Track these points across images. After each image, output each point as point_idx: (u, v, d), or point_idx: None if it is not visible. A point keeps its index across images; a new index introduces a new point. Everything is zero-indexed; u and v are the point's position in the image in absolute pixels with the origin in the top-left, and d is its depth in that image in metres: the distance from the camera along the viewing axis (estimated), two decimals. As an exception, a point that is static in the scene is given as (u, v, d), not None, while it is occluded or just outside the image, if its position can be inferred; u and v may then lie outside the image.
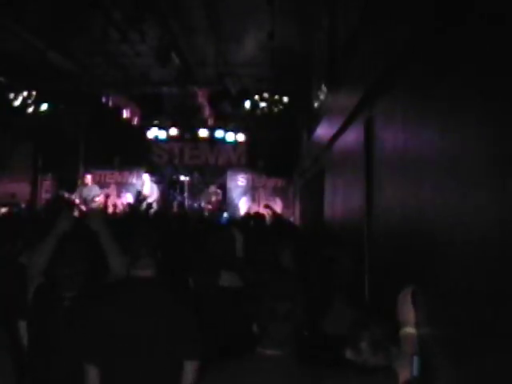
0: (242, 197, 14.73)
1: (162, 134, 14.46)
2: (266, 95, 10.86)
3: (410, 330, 2.31)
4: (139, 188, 13.93)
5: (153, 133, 14.46)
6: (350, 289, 3.45)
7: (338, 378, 2.00)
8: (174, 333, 2.75)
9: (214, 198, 13.83)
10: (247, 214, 11.72)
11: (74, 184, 13.68)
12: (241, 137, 14.24)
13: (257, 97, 10.86)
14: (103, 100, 11.41)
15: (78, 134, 14.69)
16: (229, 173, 14.99)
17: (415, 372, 2.11)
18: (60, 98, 11.08)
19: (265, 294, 2.00)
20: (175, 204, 13.97)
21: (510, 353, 1.60)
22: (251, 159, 14.94)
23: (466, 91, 2.03)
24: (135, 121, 13.33)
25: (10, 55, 9.12)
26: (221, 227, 7.05)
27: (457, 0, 2.12)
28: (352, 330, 2.32)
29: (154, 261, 2.87)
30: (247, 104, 10.95)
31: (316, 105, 8.82)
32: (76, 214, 11.69)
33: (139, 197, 13.56)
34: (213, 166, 15.19)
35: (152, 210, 11.96)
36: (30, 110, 10.78)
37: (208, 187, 14.23)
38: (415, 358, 2.11)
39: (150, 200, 12.98)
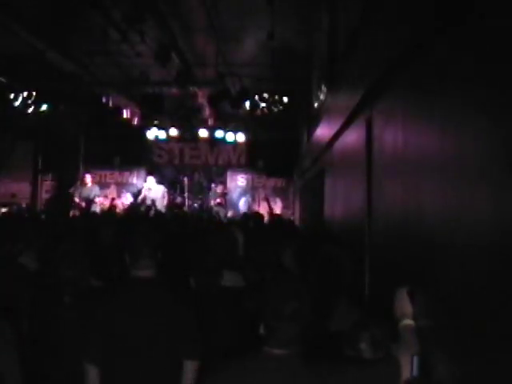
0: (242, 197, 14.73)
1: (162, 134, 14.46)
2: (265, 95, 10.86)
3: (408, 321, 2.32)
4: (141, 189, 13.90)
5: (153, 133, 14.46)
6: (350, 289, 3.45)
7: (341, 375, 2.00)
8: (174, 333, 2.75)
9: (219, 199, 13.78)
10: (247, 214, 11.73)
11: (73, 184, 13.68)
12: (241, 137, 14.25)
13: (257, 97, 10.86)
14: (103, 100, 11.40)
15: (78, 134, 14.70)
16: (229, 173, 15.00)
17: (415, 372, 2.11)
18: (60, 98, 11.08)
19: (271, 294, 2.00)
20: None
21: (509, 352, 1.60)
22: (251, 159, 14.94)
23: (466, 91, 2.03)
24: (135, 121, 13.33)
25: (10, 55, 9.12)
26: (221, 227, 7.05)
27: (457, 0, 2.12)
28: (351, 330, 2.32)
29: (155, 261, 2.87)
30: (247, 104, 10.95)
31: (316, 105, 8.82)
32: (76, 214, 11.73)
33: (137, 198, 13.55)
34: (213, 166, 15.20)
35: (152, 212, 11.96)
36: (30, 110, 10.77)
37: (216, 186, 14.18)
38: (415, 358, 2.11)
39: (149, 201, 12.96)
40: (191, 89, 11.41)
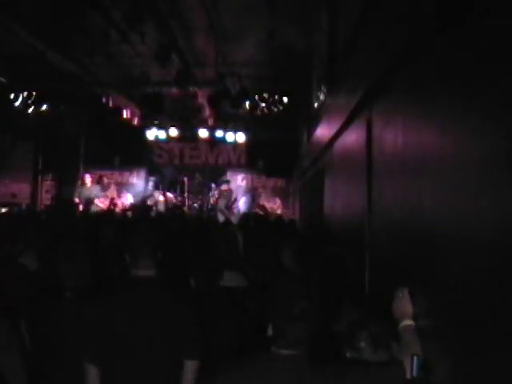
0: (241, 197, 14.73)
1: (162, 134, 14.47)
2: (265, 95, 10.86)
3: (408, 322, 2.32)
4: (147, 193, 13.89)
5: (153, 133, 14.47)
6: (350, 288, 3.45)
7: (347, 377, 2.00)
8: (174, 332, 2.75)
9: (226, 198, 13.72)
10: (247, 214, 11.73)
11: (74, 184, 13.70)
12: (241, 137, 14.25)
13: (257, 97, 10.85)
14: (103, 100, 11.40)
15: (78, 134, 14.71)
16: (229, 173, 15.00)
17: (415, 372, 2.11)
18: (60, 98, 11.08)
19: (279, 294, 2.00)
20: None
21: (509, 352, 1.60)
22: (251, 159, 14.95)
23: (466, 91, 2.03)
24: (135, 121, 13.33)
25: (10, 55, 9.12)
26: (222, 226, 7.05)
27: (457, 0, 2.12)
28: (349, 330, 2.32)
29: (155, 261, 2.87)
30: (247, 104, 10.95)
31: (316, 105, 8.82)
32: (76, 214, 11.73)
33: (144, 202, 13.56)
34: (213, 166, 15.21)
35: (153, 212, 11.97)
36: (30, 110, 10.77)
37: (220, 185, 14.14)
38: (415, 358, 2.11)
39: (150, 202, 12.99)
40: (191, 89, 11.41)
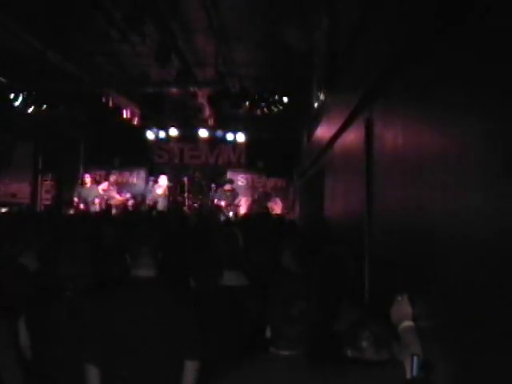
0: (242, 197, 14.73)
1: (162, 134, 14.46)
2: (266, 95, 10.85)
3: (408, 323, 2.32)
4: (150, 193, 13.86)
5: (153, 133, 14.46)
6: (350, 288, 3.45)
7: (347, 376, 1.99)
8: (175, 333, 2.75)
9: (230, 198, 13.67)
10: (246, 214, 11.73)
11: (73, 184, 13.70)
12: (241, 137, 14.24)
13: (257, 97, 10.85)
14: (103, 100, 11.39)
15: (78, 134, 14.70)
16: (229, 173, 14.99)
17: (415, 372, 2.11)
18: (60, 98, 11.08)
19: (277, 296, 1.99)
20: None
21: (509, 352, 1.60)
22: (251, 159, 14.94)
23: (466, 91, 2.03)
24: (135, 121, 13.32)
25: (10, 55, 9.12)
26: (222, 226, 7.05)
27: (457, 0, 2.12)
28: (350, 329, 2.32)
29: (155, 261, 2.87)
30: (247, 104, 10.95)
31: (316, 105, 8.81)
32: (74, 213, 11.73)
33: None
34: (213, 166, 15.21)
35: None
36: (30, 110, 10.77)
37: (223, 185, 14.10)
38: (415, 358, 2.11)
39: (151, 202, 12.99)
40: (191, 89, 11.40)
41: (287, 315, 1.92)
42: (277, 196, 14.71)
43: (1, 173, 12.84)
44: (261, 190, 14.81)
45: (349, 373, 2.02)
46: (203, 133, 14.14)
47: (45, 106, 10.90)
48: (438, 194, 2.32)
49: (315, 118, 8.62)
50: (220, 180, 14.73)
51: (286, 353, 1.95)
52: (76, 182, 14.03)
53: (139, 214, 10.24)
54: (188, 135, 14.49)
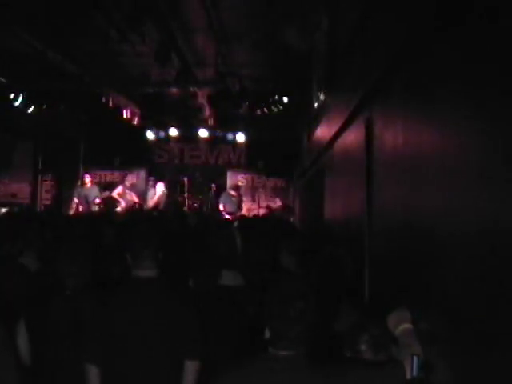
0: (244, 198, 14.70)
1: (162, 134, 14.46)
2: (266, 95, 10.85)
3: (406, 325, 2.32)
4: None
5: (153, 133, 14.46)
6: (350, 289, 3.45)
7: (347, 376, 1.99)
8: (175, 333, 2.75)
9: (235, 205, 13.62)
10: (244, 216, 11.72)
11: (73, 184, 13.69)
12: (241, 137, 14.23)
13: (257, 97, 10.85)
14: (103, 100, 11.39)
15: (78, 134, 14.70)
16: (229, 173, 14.99)
17: (415, 372, 2.11)
18: (60, 98, 11.07)
19: (275, 296, 1.99)
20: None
21: (509, 352, 1.60)
22: (251, 159, 14.93)
23: (466, 91, 2.03)
24: (135, 121, 13.31)
25: (10, 55, 9.12)
26: (220, 226, 7.04)
27: (457, 0, 2.12)
28: (350, 332, 2.31)
29: (156, 261, 2.87)
30: (247, 104, 10.94)
31: (316, 105, 8.81)
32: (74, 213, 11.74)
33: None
34: (213, 166, 15.20)
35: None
36: (30, 110, 10.76)
37: (226, 189, 14.07)
38: (415, 358, 2.11)
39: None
40: (191, 89, 11.40)
41: (286, 315, 1.92)
42: (277, 196, 14.71)
43: (1, 173, 12.83)
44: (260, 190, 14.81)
45: (349, 373, 2.02)
46: (203, 133, 14.14)
47: (45, 105, 10.89)
48: (437, 194, 2.32)
49: (315, 118, 8.62)
50: (220, 180, 14.74)
51: (285, 353, 1.95)
52: (76, 182, 14.03)
53: (140, 215, 10.24)
54: (188, 135, 14.48)
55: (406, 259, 2.85)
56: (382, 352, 2.24)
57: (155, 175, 14.47)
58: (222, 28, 8.26)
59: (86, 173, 13.72)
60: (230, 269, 3.57)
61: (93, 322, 2.79)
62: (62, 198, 14.35)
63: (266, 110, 10.86)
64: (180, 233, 6.20)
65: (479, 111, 1.89)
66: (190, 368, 2.76)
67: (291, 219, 11.85)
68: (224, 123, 13.92)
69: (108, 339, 2.72)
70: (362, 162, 4.06)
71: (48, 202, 14.38)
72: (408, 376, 2.12)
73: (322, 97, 7.87)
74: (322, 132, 7.41)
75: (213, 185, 14.54)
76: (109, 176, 15.01)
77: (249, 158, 15.02)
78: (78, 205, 12.61)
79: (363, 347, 2.23)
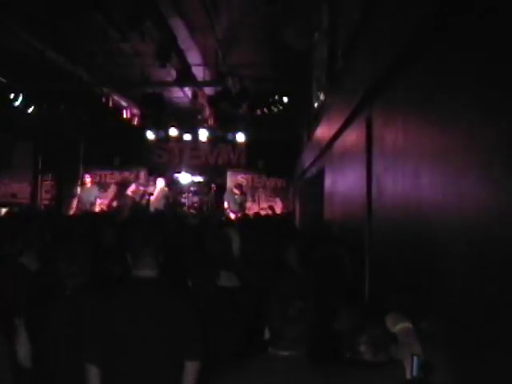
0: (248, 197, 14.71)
1: (162, 134, 14.46)
2: (266, 95, 10.86)
3: (405, 324, 2.32)
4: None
5: (153, 133, 14.47)
6: (350, 288, 3.45)
7: (347, 377, 1.99)
8: (175, 333, 2.75)
9: (238, 204, 13.60)
10: (246, 215, 11.73)
11: (73, 184, 13.70)
12: (241, 137, 14.25)
13: (257, 97, 10.85)
14: (103, 100, 11.39)
15: (78, 134, 14.70)
16: (229, 173, 15.00)
17: (415, 372, 2.11)
18: (60, 98, 11.08)
19: (275, 296, 1.98)
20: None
21: (509, 352, 1.60)
22: (251, 159, 14.95)
23: (466, 90, 2.03)
24: (135, 121, 13.32)
25: (9, 55, 9.12)
26: (217, 226, 7.03)
27: (457, 0, 2.12)
28: (349, 333, 2.31)
29: (156, 261, 2.87)
30: (247, 104, 10.95)
31: (316, 105, 8.81)
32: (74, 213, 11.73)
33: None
34: (213, 166, 15.21)
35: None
36: (30, 110, 10.77)
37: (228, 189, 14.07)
38: (415, 358, 2.11)
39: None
40: (191, 89, 11.40)
41: (286, 315, 1.91)
42: (277, 196, 14.72)
43: (1, 173, 12.83)
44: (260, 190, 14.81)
45: (349, 373, 2.01)
46: (203, 133, 14.15)
47: (45, 106, 10.89)
48: (438, 194, 2.32)
49: (315, 118, 8.62)
50: (220, 180, 14.74)
51: (285, 353, 1.94)
52: (76, 182, 14.03)
53: (139, 213, 10.24)
54: (188, 135, 14.48)
55: (406, 259, 2.85)
56: (382, 352, 2.24)
57: (155, 175, 14.47)
58: (222, 28, 8.26)
59: (86, 173, 13.74)
60: (225, 270, 3.57)
61: (93, 321, 2.79)
62: (62, 197, 14.36)
63: (266, 110, 10.86)
64: (178, 233, 6.20)
65: (480, 111, 1.89)
66: (190, 368, 2.76)
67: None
68: (224, 123, 13.92)
69: (108, 339, 2.72)
70: (363, 161, 4.06)
71: (48, 202, 14.38)
72: (408, 376, 2.12)
73: (321, 97, 7.87)
74: (322, 132, 7.41)
75: (213, 185, 14.55)
76: (109, 176, 15.02)
77: (249, 158, 15.04)
78: (78, 205, 12.62)
79: (363, 348, 2.23)
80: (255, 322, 2.36)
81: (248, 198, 14.08)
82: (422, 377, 2.11)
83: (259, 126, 13.34)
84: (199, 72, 10.65)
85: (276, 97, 10.75)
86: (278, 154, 13.94)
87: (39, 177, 14.47)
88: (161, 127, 14.31)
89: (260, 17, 7.63)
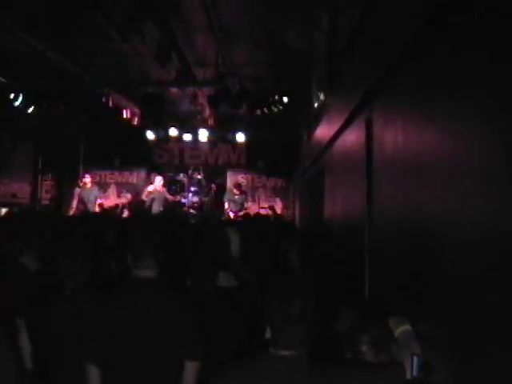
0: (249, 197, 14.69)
1: (162, 134, 14.46)
2: (266, 95, 10.85)
3: (406, 326, 2.32)
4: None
5: (153, 133, 14.47)
6: (350, 288, 3.45)
7: (348, 377, 1.99)
8: (175, 333, 2.75)
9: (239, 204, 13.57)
10: (246, 215, 11.72)
11: (73, 184, 13.69)
12: (241, 137, 14.24)
13: (257, 97, 10.85)
14: (103, 100, 11.39)
15: (78, 134, 14.70)
16: (229, 173, 14.99)
17: (415, 372, 2.11)
18: (60, 98, 11.07)
19: (276, 295, 1.98)
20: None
21: (509, 352, 1.60)
22: (251, 159, 14.95)
23: (466, 91, 2.03)
24: (135, 121, 13.32)
25: (10, 55, 9.12)
26: (215, 227, 7.03)
27: (457, 0, 2.12)
28: (349, 333, 2.31)
29: (156, 261, 2.87)
30: (247, 104, 10.95)
31: (316, 105, 8.81)
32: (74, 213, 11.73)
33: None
34: (213, 166, 15.21)
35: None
36: (30, 110, 10.76)
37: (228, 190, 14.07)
38: (415, 358, 2.11)
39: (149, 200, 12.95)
40: (191, 89, 11.40)
41: (286, 314, 1.91)
42: (277, 196, 14.72)
43: (1, 173, 12.82)
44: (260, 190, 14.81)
45: (350, 374, 2.01)
46: (203, 133, 14.14)
47: (45, 106, 10.89)
48: (438, 194, 2.32)
49: (315, 118, 8.62)
50: (220, 180, 14.74)
51: (285, 353, 1.94)
52: (76, 182, 14.03)
53: (139, 213, 10.23)
54: (188, 135, 14.48)
55: (406, 259, 2.85)
56: (383, 353, 2.24)
57: (154, 175, 14.46)
58: (222, 28, 8.26)
59: (86, 173, 13.73)
60: (224, 270, 3.57)
61: (93, 321, 2.79)
62: (61, 197, 14.35)
63: (266, 110, 10.85)
64: (178, 233, 6.19)
65: (480, 111, 1.89)
66: (190, 368, 2.76)
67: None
68: (224, 123, 13.92)
69: (108, 339, 2.72)
70: (362, 161, 4.06)
71: (48, 202, 14.38)
72: (408, 376, 2.12)
73: (321, 97, 7.87)
74: (322, 132, 7.41)
75: (213, 185, 14.55)
76: (109, 176, 15.02)
77: (249, 158, 15.03)
78: (78, 205, 12.61)
79: (364, 348, 2.23)
80: (255, 322, 2.36)
81: (248, 198, 14.06)
82: (421, 377, 2.11)
83: (259, 126, 13.34)
84: (199, 72, 10.65)
85: (276, 97, 10.74)
86: (278, 154, 13.93)
87: (39, 177, 14.46)
88: (161, 127, 14.30)
89: (260, 17, 7.63)
